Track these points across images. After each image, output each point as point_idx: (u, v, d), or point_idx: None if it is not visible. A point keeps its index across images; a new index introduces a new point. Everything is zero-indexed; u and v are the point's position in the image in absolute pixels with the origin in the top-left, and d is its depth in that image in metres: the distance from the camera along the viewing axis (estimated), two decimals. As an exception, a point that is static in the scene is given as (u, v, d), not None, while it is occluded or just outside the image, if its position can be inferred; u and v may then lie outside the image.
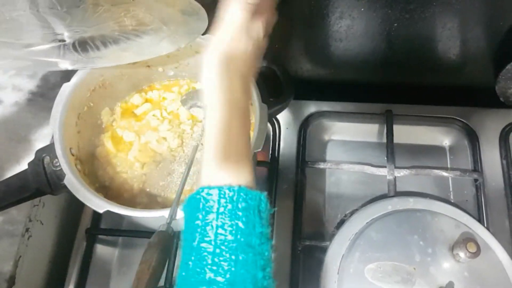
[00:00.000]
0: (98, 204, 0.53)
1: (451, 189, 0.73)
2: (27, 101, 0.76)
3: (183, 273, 0.38)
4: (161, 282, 0.63)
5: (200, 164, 0.42)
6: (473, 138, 0.74)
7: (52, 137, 0.57)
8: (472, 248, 0.55)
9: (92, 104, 0.64)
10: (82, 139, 0.63)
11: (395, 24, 0.64)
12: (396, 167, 0.70)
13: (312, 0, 0.61)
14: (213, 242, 0.37)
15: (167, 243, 0.52)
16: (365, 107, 0.77)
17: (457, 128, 0.76)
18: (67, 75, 0.77)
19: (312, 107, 0.78)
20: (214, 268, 0.36)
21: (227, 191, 0.38)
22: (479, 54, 0.70)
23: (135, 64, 0.65)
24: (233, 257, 0.36)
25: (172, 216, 0.53)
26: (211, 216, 0.38)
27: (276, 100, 0.62)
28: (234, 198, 0.38)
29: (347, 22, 0.65)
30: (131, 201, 0.63)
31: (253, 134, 0.57)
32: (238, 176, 0.40)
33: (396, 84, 0.78)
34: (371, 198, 0.72)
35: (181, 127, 0.68)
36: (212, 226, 0.38)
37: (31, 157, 0.59)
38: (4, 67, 0.56)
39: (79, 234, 0.72)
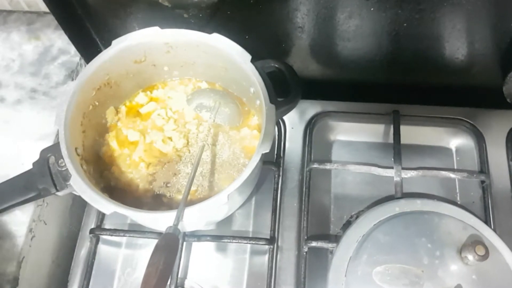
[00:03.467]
0: (105, 205, 0.52)
1: (457, 191, 0.72)
2: (30, 99, 0.75)
3: None
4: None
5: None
6: (480, 140, 0.73)
7: (57, 137, 0.56)
8: (481, 251, 0.55)
9: (97, 103, 0.63)
10: (87, 139, 0.62)
11: (405, 24, 0.64)
12: (403, 168, 0.70)
13: (322, 0, 0.61)
14: None
15: (174, 245, 0.51)
16: (372, 107, 0.76)
17: (464, 129, 0.75)
18: (70, 73, 0.77)
19: (318, 107, 0.77)
20: None
21: None
22: (487, 55, 0.70)
23: (140, 63, 0.65)
24: None
25: (179, 218, 0.52)
26: None
27: (284, 101, 0.61)
28: None
29: (356, 22, 0.64)
30: (136, 202, 0.62)
31: (260, 135, 0.56)
32: None
33: (403, 84, 0.78)
34: (378, 199, 0.71)
35: (186, 127, 0.67)
36: None
37: (35, 156, 0.58)
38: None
39: (83, 234, 0.71)
